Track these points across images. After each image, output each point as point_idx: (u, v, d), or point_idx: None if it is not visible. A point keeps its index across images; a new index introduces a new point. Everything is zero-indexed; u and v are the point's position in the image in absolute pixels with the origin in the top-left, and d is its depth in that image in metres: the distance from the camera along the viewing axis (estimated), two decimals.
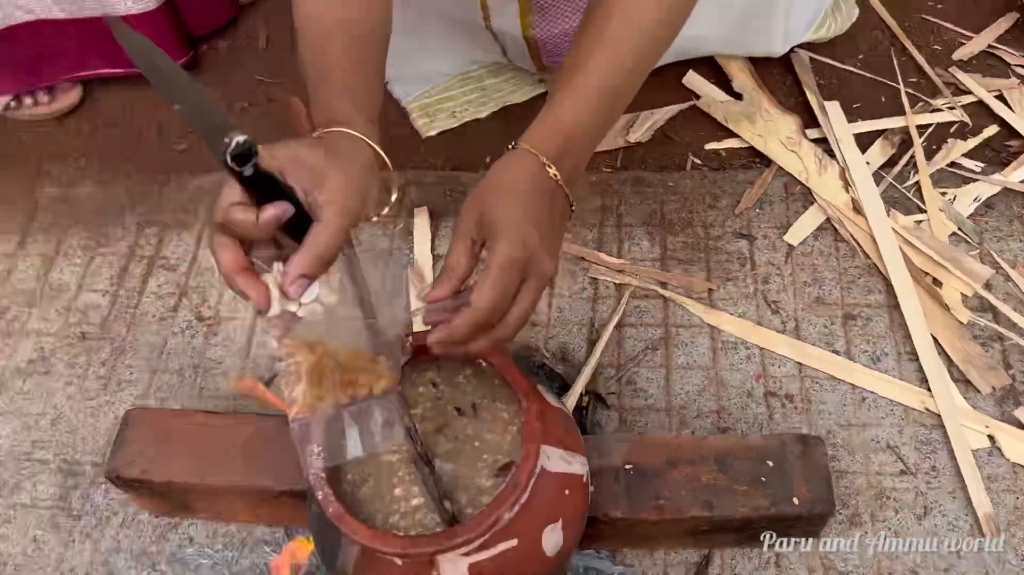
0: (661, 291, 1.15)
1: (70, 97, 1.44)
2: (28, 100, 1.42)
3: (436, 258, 1.21)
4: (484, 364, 0.78)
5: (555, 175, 0.73)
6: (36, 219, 1.32)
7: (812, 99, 1.31)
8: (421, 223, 1.24)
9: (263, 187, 0.58)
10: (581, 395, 1.07)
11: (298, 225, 0.61)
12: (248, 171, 0.55)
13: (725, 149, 1.29)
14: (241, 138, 0.53)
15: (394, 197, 0.77)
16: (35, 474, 1.08)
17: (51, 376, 1.16)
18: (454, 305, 0.69)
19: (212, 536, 1.01)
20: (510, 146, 0.76)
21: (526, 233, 0.68)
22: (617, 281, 1.17)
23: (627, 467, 0.89)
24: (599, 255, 1.19)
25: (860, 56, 1.38)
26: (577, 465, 0.80)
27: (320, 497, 0.71)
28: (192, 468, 0.92)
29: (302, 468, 0.72)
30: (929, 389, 1.04)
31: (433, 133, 1.35)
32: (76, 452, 1.09)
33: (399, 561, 0.72)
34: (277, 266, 0.62)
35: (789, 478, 0.88)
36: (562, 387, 1.08)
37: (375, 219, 0.73)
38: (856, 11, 1.38)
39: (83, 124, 1.44)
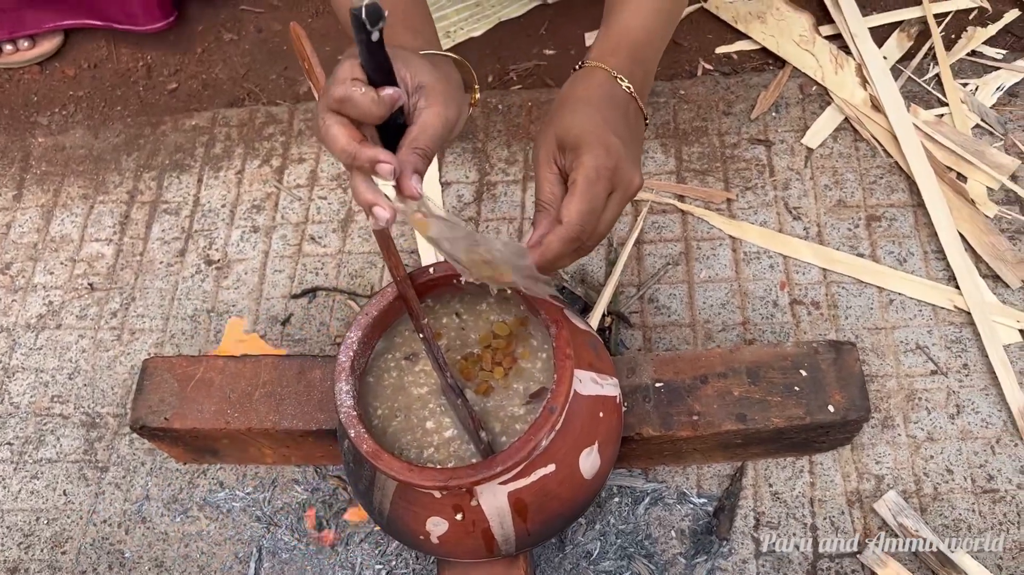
0: (679, 204, 1.12)
1: (52, 42, 1.38)
2: (9, 47, 1.36)
3: (444, 185, 1.17)
4: (508, 291, 0.76)
5: (628, 87, 0.71)
6: (30, 170, 1.28)
7: None
8: None
9: (381, 65, 0.58)
10: (603, 316, 1.05)
11: (391, 131, 0.61)
12: (376, 35, 0.55)
13: (736, 52, 1.24)
14: None
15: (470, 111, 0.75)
16: (57, 429, 1.07)
17: (63, 330, 1.14)
18: None
19: (242, 479, 1.01)
20: (576, 66, 0.73)
21: (608, 142, 0.65)
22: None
23: (658, 385, 0.88)
24: None
25: None
26: (609, 387, 0.79)
27: (353, 435, 0.70)
28: (216, 414, 0.91)
29: (336, 397, 0.71)
30: (957, 287, 1.02)
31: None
32: (96, 404, 1.08)
33: (438, 494, 0.71)
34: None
35: (823, 386, 0.86)
36: (583, 310, 1.06)
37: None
38: None
39: (67, 69, 1.39)
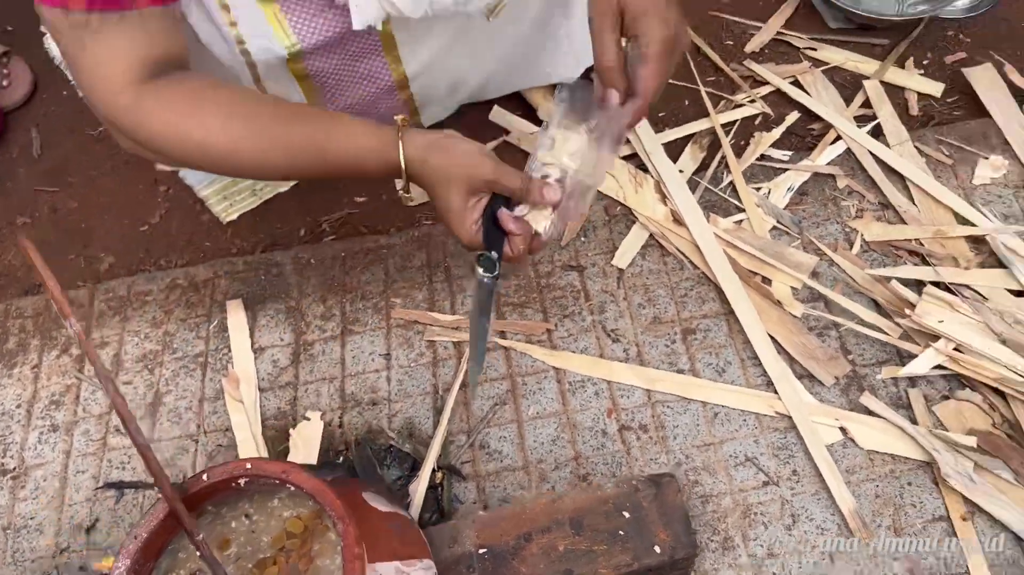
0: (500, 341, 1.10)
1: None
2: None
3: (257, 351, 1.12)
4: (292, 488, 0.71)
5: None
6: None
7: None
8: (236, 316, 1.15)
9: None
10: (433, 472, 1.01)
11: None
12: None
13: None
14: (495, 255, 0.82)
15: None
16: None
17: None
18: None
19: None
20: None
21: (670, 14, 0.76)
22: (455, 339, 1.11)
23: (481, 551, 0.83)
24: (432, 315, 1.13)
25: None
26: (418, 571, 0.74)
27: None
28: None
29: None
30: (776, 391, 1.03)
31: (234, 217, 1.26)
32: None
33: None
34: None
35: (647, 526, 0.84)
36: (412, 467, 1.01)
37: None
38: None
39: None
